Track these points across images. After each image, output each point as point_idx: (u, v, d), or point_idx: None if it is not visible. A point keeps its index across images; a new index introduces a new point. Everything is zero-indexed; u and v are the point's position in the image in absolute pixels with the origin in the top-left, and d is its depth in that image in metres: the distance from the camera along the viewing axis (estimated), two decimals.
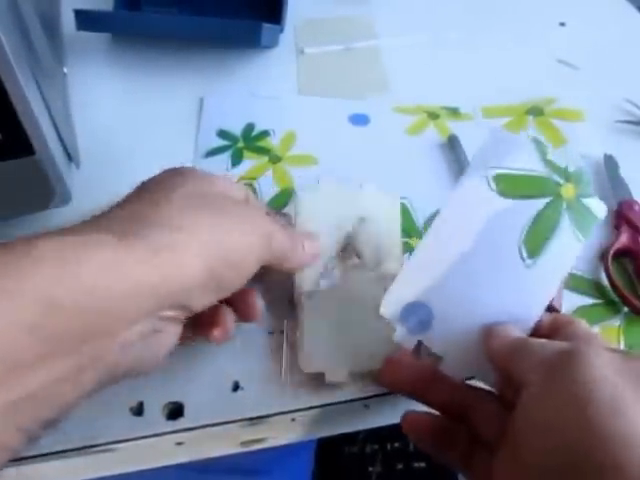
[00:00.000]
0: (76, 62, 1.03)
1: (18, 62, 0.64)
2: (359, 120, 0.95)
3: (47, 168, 0.67)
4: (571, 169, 0.58)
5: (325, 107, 0.98)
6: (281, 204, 0.81)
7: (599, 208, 0.60)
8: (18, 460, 0.60)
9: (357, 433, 1.24)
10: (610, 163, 0.87)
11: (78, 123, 0.91)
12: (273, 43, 1.07)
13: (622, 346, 0.69)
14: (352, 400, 0.65)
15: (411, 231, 0.79)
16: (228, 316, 0.58)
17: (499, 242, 0.57)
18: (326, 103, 0.98)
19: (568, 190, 0.58)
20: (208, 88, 1.00)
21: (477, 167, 0.57)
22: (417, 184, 0.85)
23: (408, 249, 0.76)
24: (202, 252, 0.48)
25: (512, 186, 0.57)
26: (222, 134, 0.92)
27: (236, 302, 0.59)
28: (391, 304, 0.57)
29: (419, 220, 0.80)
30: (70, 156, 0.78)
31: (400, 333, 0.57)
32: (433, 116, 0.96)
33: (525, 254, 0.57)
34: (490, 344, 0.54)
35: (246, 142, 0.91)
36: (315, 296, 0.64)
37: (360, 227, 0.69)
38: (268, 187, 0.83)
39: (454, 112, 0.97)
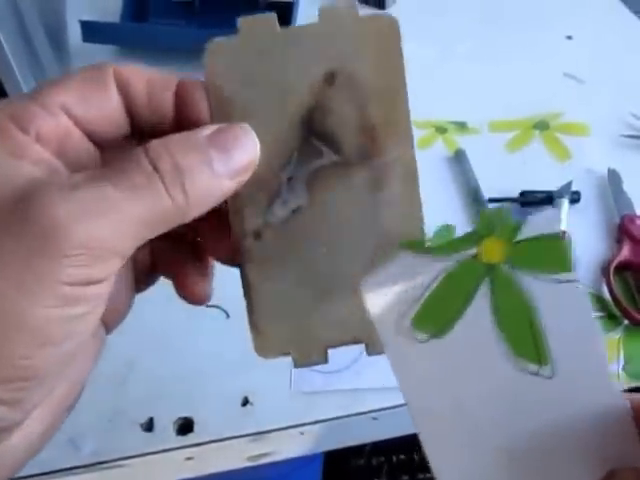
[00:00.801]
0: None
1: (22, 73, 0.64)
2: None
3: None
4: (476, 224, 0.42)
5: None
6: None
7: (547, 221, 0.36)
8: (28, 477, 0.61)
9: (363, 446, 1.24)
10: (614, 177, 0.87)
11: None
12: None
13: (621, 358, 0.69)
14: (361, 413, 0.65)
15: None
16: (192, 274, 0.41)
17: (490, 389, 0.37)
18: None
19: (490, 248, 0.37)
20: None
21: (387, 331, 0.37)
22: (425, 197, 0.85)
23: None
24: None
25: (437, 315, 0.37)
26: None
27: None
28: None
29: (427, 233, 0.81)
30: None
31: None
32: (441, 130, 0.96)
33: (533, 366, 0.36)
34: None
35: None
36: (266, 235, 0.38)
37: (330, 92, 0.36)
38: None
39: (461, 126, 0.97)
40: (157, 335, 0.67)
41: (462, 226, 0.82)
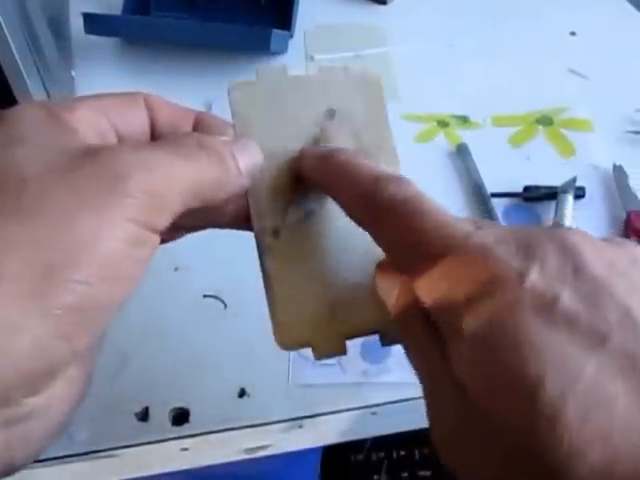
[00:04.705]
0: (84, 65, 1.03)
1: (26, 65, 0.64)
2: None
3: None
4: None
5: None
6: None
7: None
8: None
9: (363, 441, 1.24)
10: (619, 173, 0.86)
11: None
12: (283, 49, 1.07)
13: None
14: (360, 407, 0.65)
15: None
16: None
17: None
18: None
19: None
20: (217, 93, 0.99)
21: None
22: (427, 191, 0.84)
23: None
24: (23, 294, 0.29)
25: None
26: None
27: None
28: None
29: None
30: None
31: None
32: (442, 124, 0.95)
33: None
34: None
35: None
36: (283, 234, 0.43)
37: (330, 124, 0.46)
38: None
39: (464, 120, 0.96)
40: (154, 324, 0.66)
41: None
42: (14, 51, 0.62)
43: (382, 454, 1.24)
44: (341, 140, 0.45)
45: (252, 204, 0.42)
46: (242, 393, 0.65)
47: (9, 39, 0.62)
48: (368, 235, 0.39)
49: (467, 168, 0.87)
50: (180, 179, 0.35)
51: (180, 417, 0.63)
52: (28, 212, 0.30)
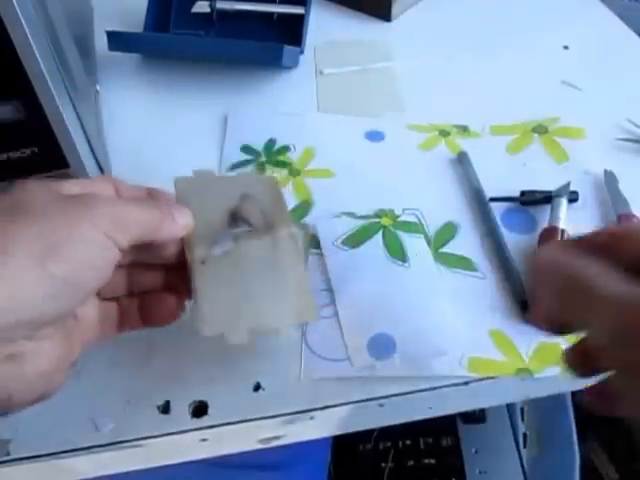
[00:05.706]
0: (108, 80, 1.03)
1: (55, 83, 0.64)
2: (375, 136, 0.94)
3: None
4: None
5: (343, 124, 0.97)
6: (300, 215, 0.82)
7: None
8: (50, 455, 0.61)
9: (371, 431, 1.24)
10: (610, 178, 0.86)
11: (109, 138, 0.91)
12: (294, 64, 1.07)
13: None
14: (367, 400, 0.65)
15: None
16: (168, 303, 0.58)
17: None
18: (344, 120, 0.98)
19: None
20: (232, 106, 1.00)
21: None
22: (428, 197, 0.84)
23: None
24: (31, 263, 0.41)
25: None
26: (245, 149, 0.92)
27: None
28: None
29: (430, 230, 0.80)
30: (102, 169, 0.78)
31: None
32: (444, 133, 0.95)
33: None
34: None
35: (268, 157, 0.91)
36: (208, 262, 0.57)
37: (244, 204, 0.62)
38: (288, 199, 0.82)
39: (464, 130, 0.96)
40: (175, 324, 0.66)
41: (465, 224, 0.81)
42: (42, 67, 0.62)
43: (389, 443, 1.25)
44: (250, 209, 0.62)
45: (186, 245, 0.57)
46: (257, 387, 0.65)
47: (37, 56, 0.62)
48: (267, 271, 0.58)
49: (467, 174, 0.87)
50: (136, 215, 0.49)
51: (199, 410, 0.63)
52: (34, 218, 0.43)
